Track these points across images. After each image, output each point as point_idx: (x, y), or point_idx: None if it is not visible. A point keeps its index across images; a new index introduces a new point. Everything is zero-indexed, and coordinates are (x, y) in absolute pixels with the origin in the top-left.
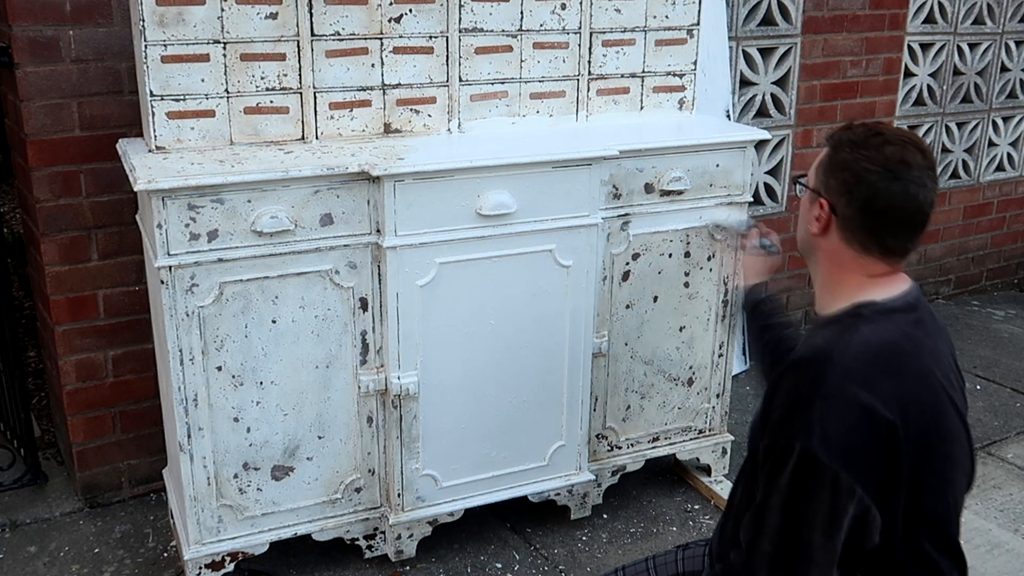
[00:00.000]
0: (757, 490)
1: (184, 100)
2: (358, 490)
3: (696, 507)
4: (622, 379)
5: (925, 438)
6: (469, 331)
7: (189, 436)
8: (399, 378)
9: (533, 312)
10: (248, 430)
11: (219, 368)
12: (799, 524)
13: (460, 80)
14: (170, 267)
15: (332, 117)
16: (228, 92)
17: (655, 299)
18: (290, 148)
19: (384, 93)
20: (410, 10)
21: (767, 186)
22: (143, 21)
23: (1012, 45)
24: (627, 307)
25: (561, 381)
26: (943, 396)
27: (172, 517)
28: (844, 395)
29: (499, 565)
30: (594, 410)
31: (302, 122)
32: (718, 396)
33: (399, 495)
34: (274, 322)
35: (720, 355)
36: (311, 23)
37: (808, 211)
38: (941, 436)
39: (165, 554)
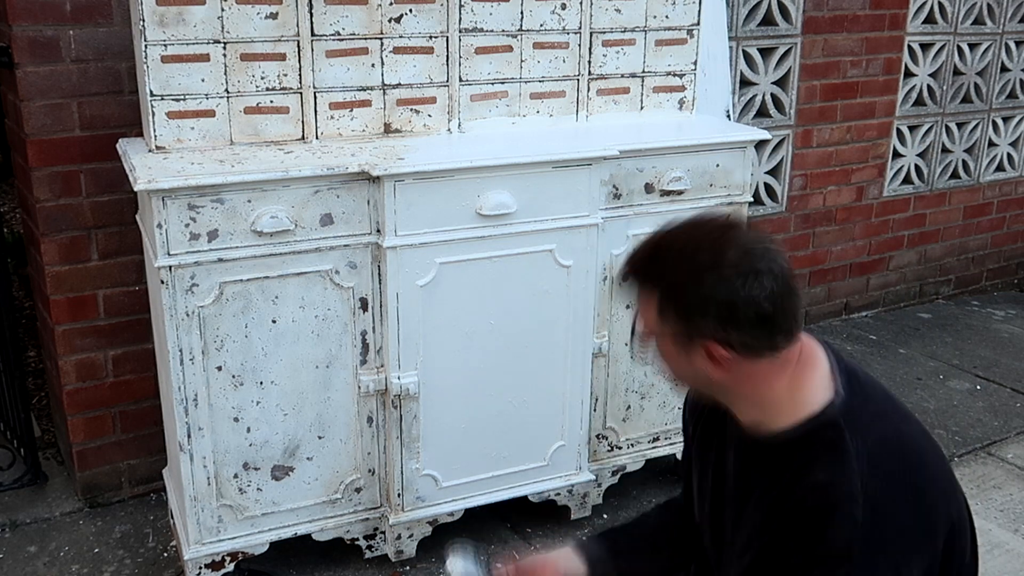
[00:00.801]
0: None
1: (184, 100)
2: (358, 490)
3: None
4: (622, 379)
5: (949, 503)
6: (469, 331)
7: (189, 436)
8: (399, 378)
9: (533, 312)
10: (248, 430)
11: (219, 368)
12: None
13: (460, 80)
14: (170, 267)
15: (332, 117)
16: (228, 92)
17: None
18: (290, 148)
19: (384, 93)
20: (410, 10)
21: (767, 186)
22: (143, 21)
23: (1012, 45)
24: (627, 307)
25: (561, 381)
26: (926, 441)
27: (172, 517)
28: (885, 543)
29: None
30: (594, 410)
31: (302, 122)
32: None
33: (399, 495)
34: (274, 322)
35: None
36: (311, 23)
37: (688, 362)
38: (949, 491)
39: (165, 554)
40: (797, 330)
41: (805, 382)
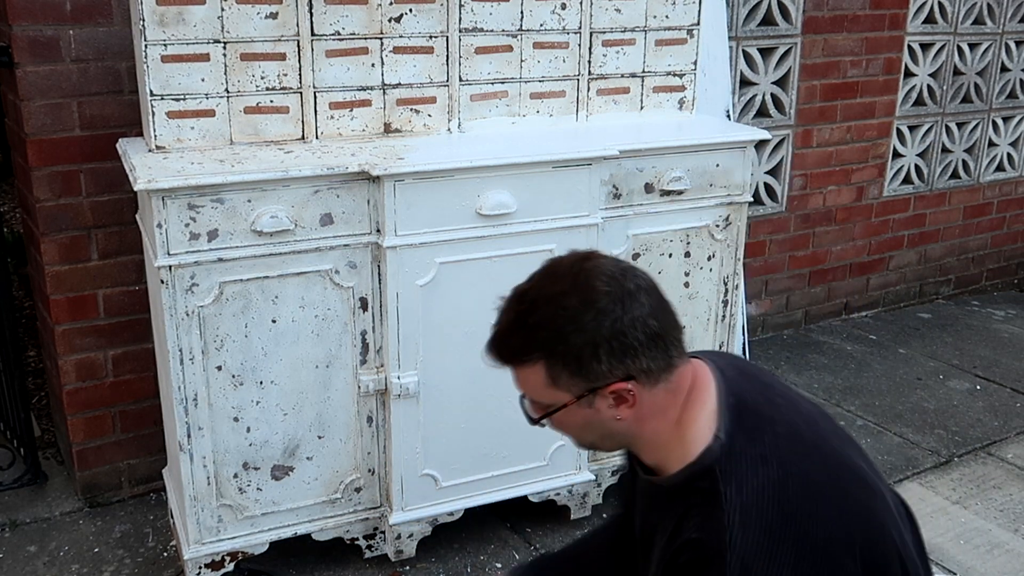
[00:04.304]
0: None
1: (184, 100)
2: (358, 490)
3: None
4: None
5: (852, 526)
6: (469, 331)
7: (189, 436)
8: (399, 378)
9: None
10: (248, 430)
11: (219, 368)
12: None
13: (460, 80)
14: (170, 267)
15: (332, 117)
16: (228, 92)
17: None
18: (290, 148)
19: (384, 93)
20: (410, 10)
21: (767, 186)
22: (143, 21)
23: (1012, 45)
24: None
25: None
26: (827, 471)
27: (172, 517)
28: None
29: (499, 565)
30: None
31: (302, 122)
32: None
33: (399, 495)
34: (274, 322)
35: None
36: (311, 23)
37: (596, 417)
38: (853, 513)
39: (165, 554)
40: (683, 337)
41: (692, 420)
